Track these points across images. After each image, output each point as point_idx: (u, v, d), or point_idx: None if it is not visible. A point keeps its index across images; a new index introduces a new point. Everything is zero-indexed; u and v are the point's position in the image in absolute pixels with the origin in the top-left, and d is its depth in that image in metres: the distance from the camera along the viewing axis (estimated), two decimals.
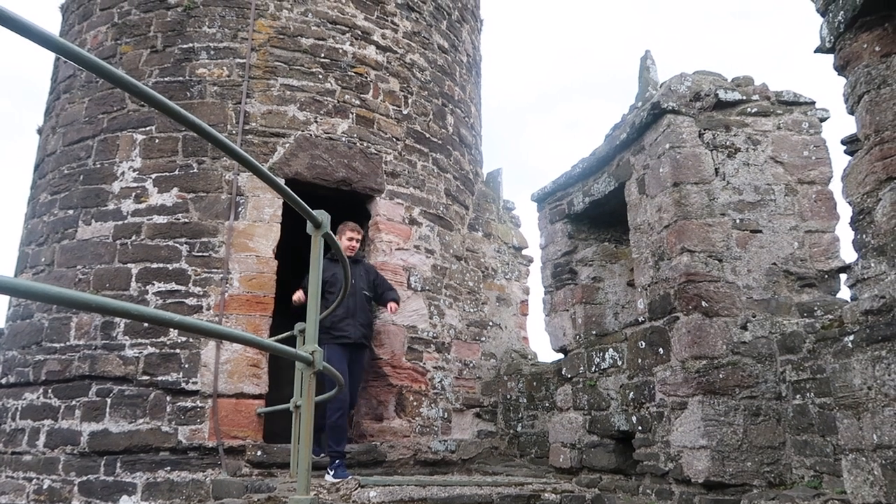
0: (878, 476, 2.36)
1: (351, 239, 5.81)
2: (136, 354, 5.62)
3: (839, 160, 6.00)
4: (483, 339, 7.21)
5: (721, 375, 4.22)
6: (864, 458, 2.47)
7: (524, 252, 7.93)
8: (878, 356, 2.39)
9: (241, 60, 6.43)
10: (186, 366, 5.60)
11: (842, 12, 2.88)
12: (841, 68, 2.99)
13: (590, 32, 59.10)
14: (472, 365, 7.02)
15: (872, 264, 2.56)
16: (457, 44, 8.14)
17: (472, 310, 7.22)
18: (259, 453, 5.47)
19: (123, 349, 5.64)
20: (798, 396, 4.01)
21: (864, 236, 2.71)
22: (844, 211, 3.75)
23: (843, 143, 3.73)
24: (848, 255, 4.58)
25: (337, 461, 5.17)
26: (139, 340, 5.65)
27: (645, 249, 4.96)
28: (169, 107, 1.85)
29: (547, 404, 6.71)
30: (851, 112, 2.99)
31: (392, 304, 5.87)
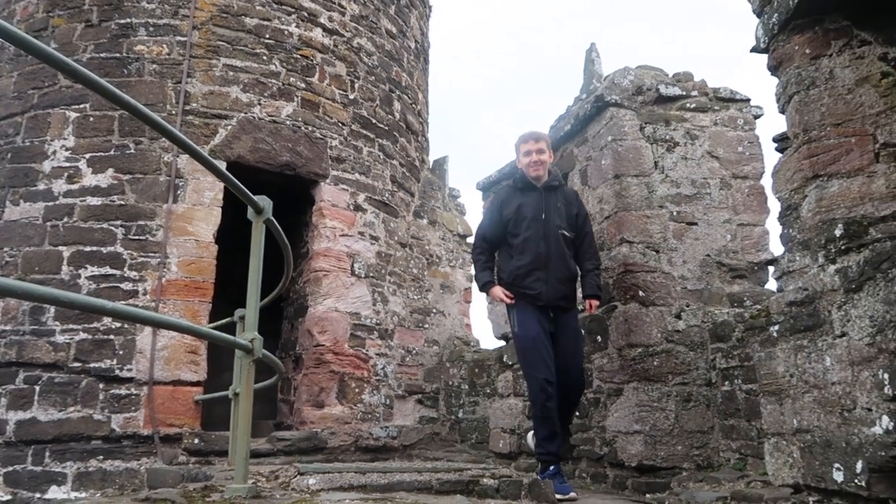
0: (796, 458, 2.48)
1: (529, 153, 4.33)
2: (68, 340, 5.42)
3: (771, 157, 6.24)
4: (426, 326, 7.24)
5: (655, 363, 4.36)
6: (784, 442, 2.60)
7: (469, 240, 7.98)
8: (800, 345, 2.51)
9: (182, 38, 6.22)
10: (121, 352, 5.44)
11: (776, 14, 2.99)
12: (774, 68, 3.10)
13: (549, 26, 59.55)
14: (414, 352, 7.04)
15: (797, 258, 2.69)
16: (405, 29, 8.09)
17: (415, 297, 7.23)
18: (196, 441, 5.37)
19: (53, 335, 5.43)
20: (727, 383, 4.17)
21: (790, 231, 2.84)
22: (774, 205, 3.91)
23: (774, 140, 3.88)
24: (777, 248, 4.78)
25: (551, 468, 3.98)
26: (70, 326, 5.45)
27: None
28: (99, 84, 1.78)
29: (488, 391, 6.80)
30: (782, 111, 3.11)
31: (592, 301, 4.34)
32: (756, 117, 5.04)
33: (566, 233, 4.25)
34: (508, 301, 4.23)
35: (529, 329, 4.11)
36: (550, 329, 4.17)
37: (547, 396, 3.98)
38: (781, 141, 3.73)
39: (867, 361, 2.09)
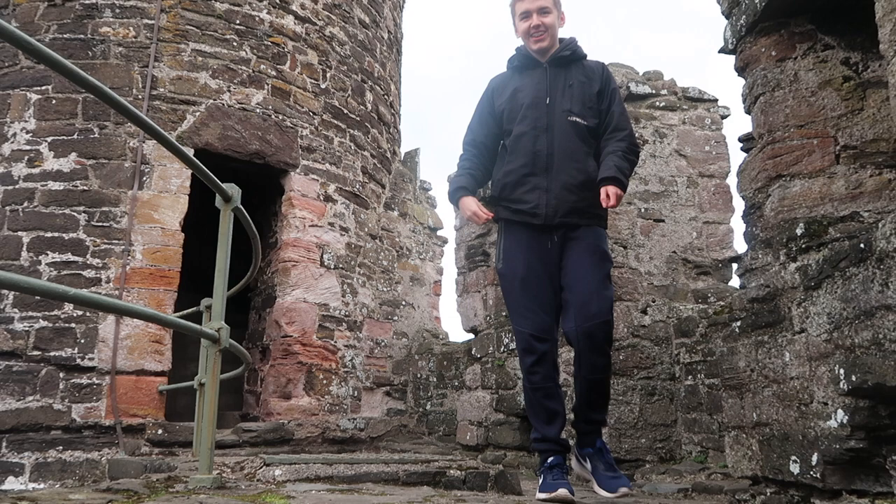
0: (755, 451, 2.55)
1: (527, 15, 3.14)
2: (27, 328, 5.30)
3: (737, 156, 6.36)
4: (396, 318, 7.23)
5: (621, 357, 4.42)
6: (744, 435, 2.67)
7: (439, 233, 7.99)
8: (760, 341, 2.58)
9: (150, 21, 6.10)
10: (82, 341, 5.33)
11: (743, 17, 3.04)
12: (741, 70, 3.16)
13: None
14: (383, 344, 7.04)
15: (760, 255, 2.75)
16: (378, 20, 8.04)
17: (385, 289, 7.22)
18: (160, 432, 5.30)
19: (12, 322, 5.30)
20: (690, 377, 4.26)
21: (754, 229, 2.90)
22: (739, 204, 3.99)
23: (740, 140, 3.96)
24: (741, 245, 4.89)
25: (549, 459, 2.87)
26: (30, 313, 5.32)
27: None
28: (63, 65, 1.74)
29: (456, 383, 6.83)
30: (748, 112, 3.17)
31: (609, 189, 2.91)
32: (723, 117, 5.13)
33: (581, 120, 3.01)
34: (481, 217, 3.04)
35: (514, 262, 2.99)
36: (555, 260, 2.99)
37: (535, 360, 2.88)
38: (747, 141, 3.80)
39: (824, 357, 2.15)
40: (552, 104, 3.07)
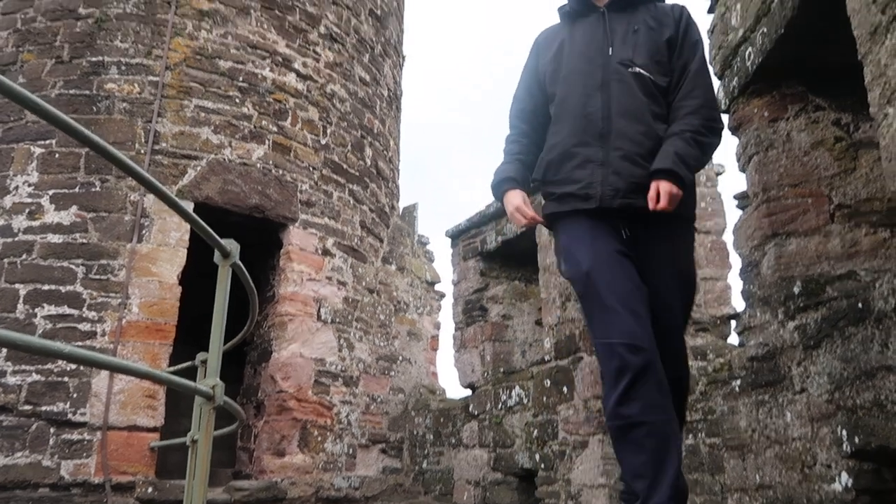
0: None
1: None
2: (19, 382, 5.22)
3: (732, 213, 6.42)
4: (392, 373, 7.16)
5: None
6: (747, 498, 2.61)
7: (437, 287, 7.98)
8: (761, 400, 2.55)
9: (155, 78, 6.22)
10: (75, 395, 5.26)
11: (736, 78, 3.12)
12: (734, 129, 3.22)
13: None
14: (379, 400, 6.94)
15: (758, 313, 2.74)
16: (378, 77, 8.22)
17: (382, 343, 7.17)
18: (150, 490, 5.17)
19: (4, 376, 5.22)
20: (690, 436, 4.19)
21: (751, 287, 2.91)
22: (736, 260, 4.00)
23: (735, 197, 4.00)
24: (739, 302, 4.88)
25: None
26: (23, 367, 5.26)
27: (553, 290, 5.10)
28: (62, 120, 1.76)
29: (453, 441, 6.71)
30: (743, 170, 3.21)
31: (661, 185, 2.12)
32: (718, 174, 5.19)
33: (646, 73, 2.28)
34: (523, 217, 2.33)
35: (577, 255, 2.21)
36: (625, 251, 2.18)
37: (630, 380, 1.98)
38: (742, 199, 3.85)
39: (826, 418, 2.12)
40: (609, 55, 2.32)
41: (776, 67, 2.90)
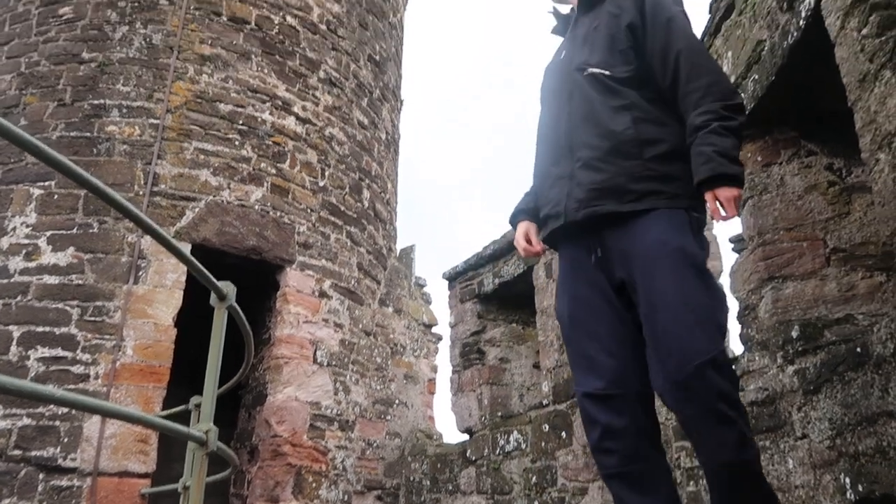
0: None
1: None
2: (9, 426, 5.14)
3: (728, 256, 6.44)
4: (389, 417, 7.06)
5: None
6: None
7: (434, 329, 7.94)
8: (762, 446, 2.51)
9: (155, 121, 6.29)
10: (66, 440, 5.17)
11: None
12: None
13: (524, 114, 61.96)
14: (375, 444, 6.83)
15: (757, 358, 2.73)
16: (377, 121, 8.32)
17: (378, 387, 7.09)
18: None
19: None
20: (692, 483, 4.11)
21: (749, 331, 2.89)
22: (733, 304, 4.00)
23: (731, 241, 4.02)
24: (736, 345, 4.85)
25: None
26: (13, 410, 5.18)
27: (550, 333, 5.07)
28: (59, 161, 1.77)
29: (450, 487, 6.58)
30: (738, 214, 3.23)
31: (720, 193, 1.83)
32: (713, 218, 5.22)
33: (602, 71, 2.07)
34: (527, 250, 2.24)
35: (560, 295, 2.13)
36: (611, 279, 1.99)
37: (599, 434, 1.90)
38: (738, 242, 3.86)
39: (828, 465, 2.09)
40: (572, 64, 2.17)
41: (768, 113, 2.94)
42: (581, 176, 1.98)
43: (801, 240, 2.79)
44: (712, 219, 1.90)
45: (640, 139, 1.95)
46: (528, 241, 2.23)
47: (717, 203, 1.81)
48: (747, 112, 2.98)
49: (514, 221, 2.33)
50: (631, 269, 1.89)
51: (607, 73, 2.05)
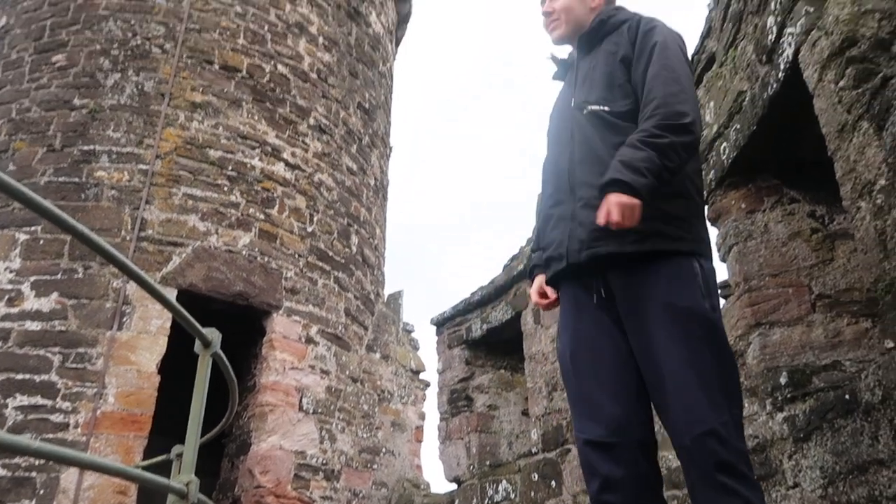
0: None
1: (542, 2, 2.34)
2: None
3: None
4: (375, 466, 6.92)
5: None
6: None
7: (422, 376, 7.86)
8: None
9: (145, 167, 6.31)
10: (42, 492, 5.01)
11: (713, 171, 3.21)
12: (713, 220, 3.29)
13: (511, 164, 62.73)
14: (361, 495, 6.68)
15: (746, 405, 2.71)
16: (365, 167, 8.39)
17: (365, 435, 6.97)
18: None
19: None
20: None
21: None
22: None
23: (719, 287, 4.03)
24: None
25: None
26: None
27: (539, 379, 5.03)
28: (43, 206, 1.76)
29: None
30: (723, 260, 3.26)
31: (609, 199, 1.81)
32: None
33: (602, 107, 2.06)
34: (540, 304, 2.25)
35: (562, 335, 2.09)
36: (616, 322, 1.95)
37: (599, 485, 1.83)
38: (724, 288, 3.88)
39: None
40: (574, 103, 2.15)
41: (751, 162, 3.00)
42: (582, 216, 1.94)
43: (787, 286, 2.81)
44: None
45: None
46: (543, 296, 2.20)
47: (604, 205, 1.79)
48: (731, 160, 3.04)
49: (531, 276, 2.30)
50: (635, 321, 1.86)
51: (606, 108, 2.04)
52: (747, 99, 2.88)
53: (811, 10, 2.26)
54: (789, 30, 2.40)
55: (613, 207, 1.76)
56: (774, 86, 2.57)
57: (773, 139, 2.81)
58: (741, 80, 3.01)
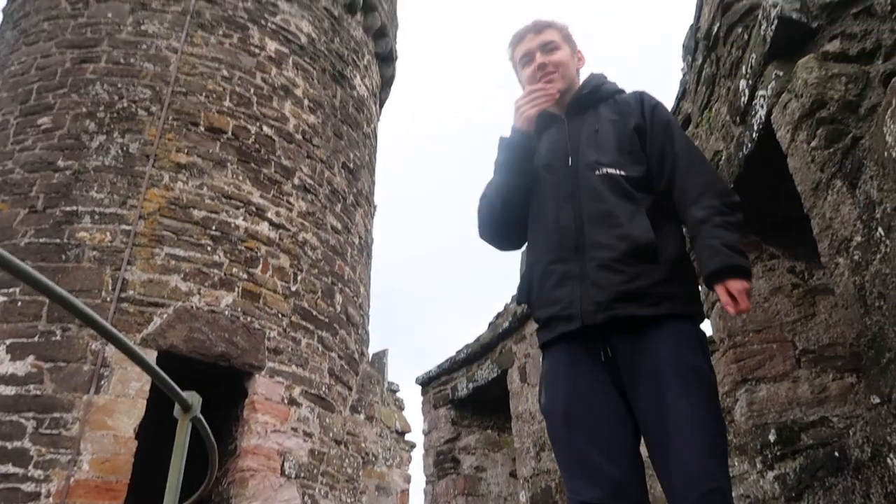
0: None
1: (529, 59, 2.35)
2: None
3: None
4: None
5: None
6: None
7: (407, 437, 7.71)
8: None
9: (127, 227, 6.28)
10: None
11: None
12: (696, 276, 3.32)
13: None
14: None
15: (737, 463, 2.68)
16: (350, 226, 8.42)
17: (349, 500, 6.77)
18: None
19: None
20: None
21: (726, 435, 2.86)
22: None
23: None
24: None
25: None
26: None
27: (527, 439, 4.96)
28: (19, 267, 1.74)
29: None
30: (707, 316, 3.27)
31: (731, 286, 1.83)
32: None
33: (616, 171, 2.09)
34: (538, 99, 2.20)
35: (554, 391, 2.02)
36: (616, 383, 1.94)
37: None
38: (710, 344, 3.88)
39: None
40: (575, 159, 2.16)
41: None
42: (596, 276, 1.93)
43: (771, 341, 2.82)
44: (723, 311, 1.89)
45: (656, 242, 1.94)
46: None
47: (729, 295, 1.81)
48: None
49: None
50: (640, 379, 1.85)
51: (622, 173, 2.07)
52: (724, 158, 2.95)
53: (780, 73, 2.34)
54: (761, 92, 2.48)
55: (742, 295, 1.80)
56: (749, 145, 2.63)
57: (750, 197, 2.86)
58: (717, 140, 3.09)
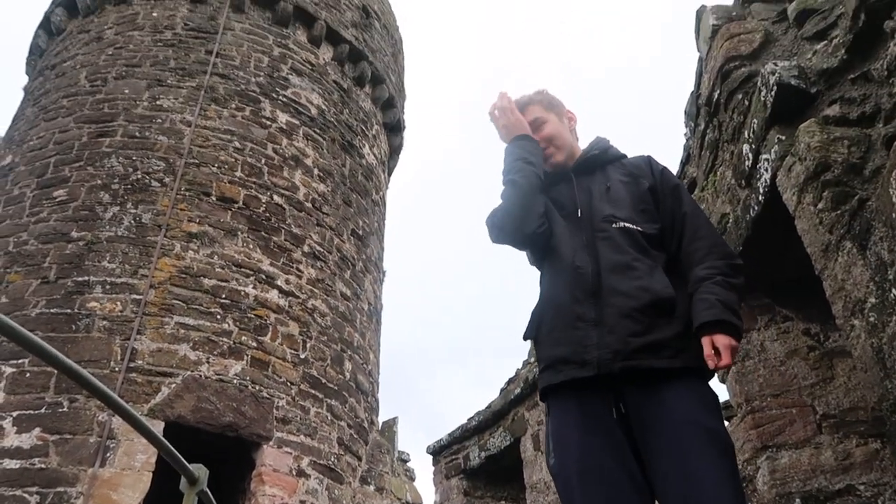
0: None
1: (538, 122, 2.38)
2: None
3: None
4: None
5: None
6: None
7: None
8: None
9: (138, 296, 6.31)
10: None
11: None
12: None
13: (507, 285, 63.14)
14: None
15: None
16: (359, 292, 8.42)
17: None
18: None
19: None
20: None
21: None
22: None
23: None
24: None
25: None
26: None
27: None
28: (28, 339, 1.74)
29: None
30: (722, 381, 3.21)
31: (717, 339, 1.84)
32: None
33: (633, 226, 2.13)
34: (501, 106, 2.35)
35: (566, 449, 1.92)
36: (627, 441, 1.88)
37: None
38: (725, 409, 3.80)
39: None
40: (587, 215, 2.18)
41: None
42: (615, 323, 1.91)
43: (790, 406, 2.76)
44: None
45: (674, 297, 1.95)
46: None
47: (713, 349, 1.81)
48: None
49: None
50: (658, 440, 1.78)
51: (639, 228, 2.11)
52: (731, 221, 2.95)
53: (783, 137, 2.37)
54: (764, 156, 2.50)
55: (726, 351, 1.80)
56: (756, 208, 2.64)
57: (761, 259, 2.85)
58: (723, 203, 3.10)
